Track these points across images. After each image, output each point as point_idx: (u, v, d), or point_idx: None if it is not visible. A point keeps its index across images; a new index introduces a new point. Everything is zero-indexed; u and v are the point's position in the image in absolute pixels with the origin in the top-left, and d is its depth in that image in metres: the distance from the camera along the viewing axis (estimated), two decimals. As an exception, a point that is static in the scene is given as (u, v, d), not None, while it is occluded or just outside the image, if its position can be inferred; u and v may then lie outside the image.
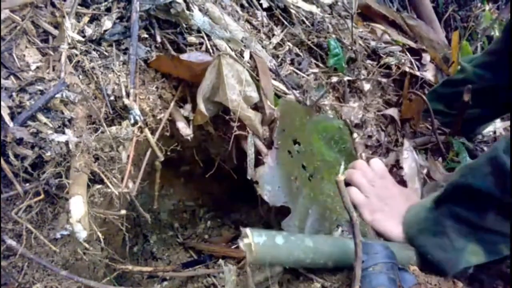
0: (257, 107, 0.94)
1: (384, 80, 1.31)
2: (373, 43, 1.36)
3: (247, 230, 0.72)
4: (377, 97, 1.27)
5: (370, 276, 0.71)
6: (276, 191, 0.85)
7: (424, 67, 1.42)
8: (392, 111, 1.20)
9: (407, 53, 1.42)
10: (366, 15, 1.53)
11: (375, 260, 0.73)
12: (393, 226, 0.88)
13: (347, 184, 0.95)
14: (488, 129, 1.40)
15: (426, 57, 1.45)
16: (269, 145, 0.91)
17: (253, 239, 0.70)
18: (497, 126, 1.43)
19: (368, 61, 1.34)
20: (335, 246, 0.77)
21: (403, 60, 1.36)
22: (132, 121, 0.79)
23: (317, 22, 1.26)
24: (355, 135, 1.12)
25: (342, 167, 0.98)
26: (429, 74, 1.42)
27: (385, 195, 0.93)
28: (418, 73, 1.38)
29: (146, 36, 0.88)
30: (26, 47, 0.77)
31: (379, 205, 0.92)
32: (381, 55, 1.34)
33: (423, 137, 1.22)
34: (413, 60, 1.42)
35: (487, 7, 2.01)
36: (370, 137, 1.17)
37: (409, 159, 1.10)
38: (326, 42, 1.22)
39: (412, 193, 1.00)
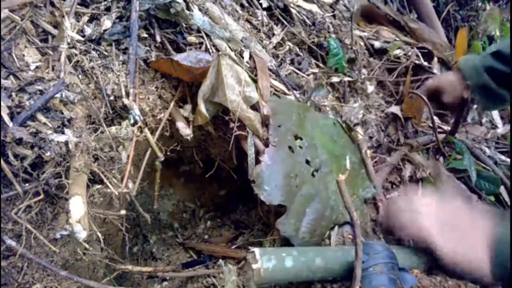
0: (257, 107, 0.94)
1: (388, 79, 1.32)
2: (377, 43, 1.37)
3: (257, 253, 0.71)
4: (379, 98, 1.26)
5: (371, 276, 0.71)
6: (273, 189, 0.84)
7: (431, 62, 1.43)
8: (395, 109, 1.20)
9: (413, 47, 1.43)
10: (369, 17, 1.53)
11: (376, 260, 0.73)
12: (480, 262, 0.77)
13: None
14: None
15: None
16: (265, 145, 0.91)
17: (263, 265, 0.70)
18: (499, 131, 1.43)
19: (371, 59, 1.34)
20: (345, 264, 0.76)
21: (410, 53, 1.37)
22: (132, 121, 0.79)
23: (318, 22, 1.26)
24: (360, 131, 1.12)
25: (348, 161, 0.97)
26: (434, 68, 1.43)
27: (456, 223, 0.83)
28: (425, 64, 1.39)
29: (146, 35, 0.88)
30: (26, 46, 0.77)
31: (454, 236, 0.81)
32: (387, 49, 1.35)
33: (424, 137, 1.22)
34: (419, 53, 1.43)
35: (487, 7, 2.01)
36: (370, 138, 1.17)
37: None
38: (326, 41, 1.22)
39: (479, 216, 0.87)
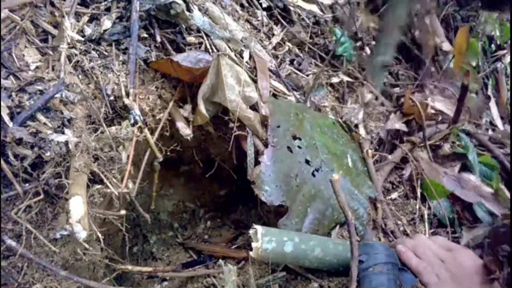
0: (256, 107, 0.94)
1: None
2: None
3: (259, 232, 0.72)
4: (380, 106, 1.26)
5: (370, 276, 0.71)
6: (274, 190, 0.84)
7: None
8: (394, 124, 1.20)
9: None
10: None
11: (376, 260, 0.73)
12: None
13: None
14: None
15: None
16: (265, 145, 0.91)
17: (262, 245, 0.71)
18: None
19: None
20: (344, 259, 0.76)
21: None
22: (132, 121, 0.79)
23: (318, 22, 1.26)
24: (362, 132, 1.12)
25: (350, 159, 0.97)
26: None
27: (459, 273, 0.78)
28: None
29: (146, 35, 0.88)
30: (26, 46, 0.77)
31: None
32: None
33: (427, 130, 1.21)
34: None
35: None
36: (372, 141, 1.16)
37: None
38: (326, 40, 1.22)
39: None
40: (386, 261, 0.73)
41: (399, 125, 1.18)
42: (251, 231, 0.74)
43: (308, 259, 0.76)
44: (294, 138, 0.93)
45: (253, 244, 0.72)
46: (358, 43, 1.27)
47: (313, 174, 0.92)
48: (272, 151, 0.88)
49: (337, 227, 0.90)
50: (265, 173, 0.85)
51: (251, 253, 0.72)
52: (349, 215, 0.71)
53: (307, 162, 0.92)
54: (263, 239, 0.72)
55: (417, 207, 1.06)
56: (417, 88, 1.35)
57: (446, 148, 1.15)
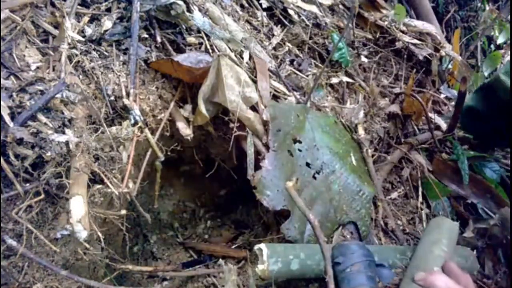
0: (256, 108, 0.94)
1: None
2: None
3: (264, 253, 0.71)
4: (382, 100, 1.27)
5: (349, 277, 0.70)
6: (276, 194, 0.85)
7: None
8: (395, 108, 1.20)
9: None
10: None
11: (352, 260, 0.72)
12: None
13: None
14: None
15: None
16: (266, 148, 0.91)
17: (269, 267, 0.71)
18: None
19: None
20: None
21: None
22: (132, 121, 0.79)
23: (317, 22, 1.26)
24: (361, 132, 1.12)
25: (353, 158, 0.97)
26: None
27: None
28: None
29: (146, 36, 0.88)
30: (26, 47, 0.77)
31: None
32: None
33: (424, 134, 1.22)
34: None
35: (487, 7, 2.01)
36: (372, 142, 1.17)
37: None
38: (326, 41, 1.22)
39: None
40: (362, 259, 0.72)
41: (396, 108, 1.19)
42: (256, 249, 0.73)
43: (315, 273, 0.76)
44: (295, 141, 0.94)
45: (260, 266, 0.72)
46: (355, 51, 1.27)
47: (313, 177, 0.92)
48: (273, 156, 0.88)
49: (340, 228, 0.90)
50: (266, 178, 0.85)
51: (257, 270, 0.72)
52: (311, 218, 0.69)
53: (308, 165, 0.93)
54: (269, 261, 0.72)
55: (418, 206, 1.06)
56: (416, 88, 1.36)
57: (443, 154, 1.16)
